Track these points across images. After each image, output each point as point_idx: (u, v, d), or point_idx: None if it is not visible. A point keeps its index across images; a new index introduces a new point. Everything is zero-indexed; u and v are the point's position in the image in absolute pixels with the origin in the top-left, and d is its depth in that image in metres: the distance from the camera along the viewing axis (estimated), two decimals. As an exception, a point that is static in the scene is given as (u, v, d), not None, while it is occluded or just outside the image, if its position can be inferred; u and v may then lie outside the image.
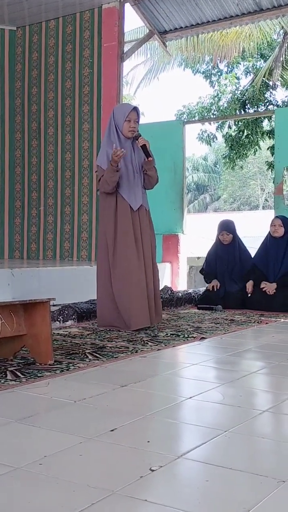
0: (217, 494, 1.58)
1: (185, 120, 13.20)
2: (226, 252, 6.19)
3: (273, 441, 2.07)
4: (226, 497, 1.56)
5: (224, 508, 1.48)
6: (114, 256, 4.41)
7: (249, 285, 5.99)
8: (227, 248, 6.20)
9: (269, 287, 5.80)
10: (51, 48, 8.07)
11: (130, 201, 4.46)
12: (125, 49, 7.65)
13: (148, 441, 1.98)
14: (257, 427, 2.20)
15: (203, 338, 4.12)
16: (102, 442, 1.95)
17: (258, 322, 5.00)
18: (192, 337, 4.13)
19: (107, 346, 3.70)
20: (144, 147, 4.45)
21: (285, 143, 6.60)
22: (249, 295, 5.95)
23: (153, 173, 4.58)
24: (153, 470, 1.70)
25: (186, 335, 4.19)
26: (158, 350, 3.66)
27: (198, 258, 10.70)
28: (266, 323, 5.01)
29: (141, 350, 3.60)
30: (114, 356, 3.40)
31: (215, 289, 6.05)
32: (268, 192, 33.84)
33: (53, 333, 3.75)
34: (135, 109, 4.49)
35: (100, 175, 4.44)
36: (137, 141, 4.49)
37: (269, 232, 6.13)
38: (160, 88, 71.49)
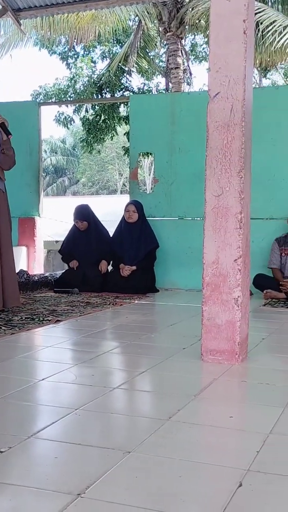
0: (66, 469, 1.64)
1: (41, 101, 13.01)
2: (83, 238, 6.22)
3: (121, 415, 2.17)
4: (74, 471, 1.62)
5: (72, 481, 1.54)
6: None
7: (103, 265, 6.08)
8: (84, 233, 6.24)
9: (127, 269, 5.95)
10: None
11: None
12: (-23, 24, 7.33)
13: (-1, 425, 1.98)
14: (107, 403, 2.29)
15: (58, 321, 4.15)
16: None
17: (113, 304, 5.13)
18: (47, 320, 4.15)
19: None
20: (2, 125, 4.40)
21: (140, 129, 6.77)
22: (103, 272, 6.03)
23: (11, 153, 4.53)
24: (1, 452, 1.71)
25: (41, 319, 4.19)
26: (12, 334, 3.63)
27: (56, 242, 10.66)
28: (121, 304, 5.16)
29: (-5, 335, 3.54)
30: None
31: (75, 268, 6.09)
32: (126, 177, 34.46)
33: None
34: None
35: None
36: None
37: (124, 217, 6.27)
38: (15, 67, 69.34)
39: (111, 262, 6.28)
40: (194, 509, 1.43)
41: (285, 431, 1.96)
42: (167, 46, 13.31)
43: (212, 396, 2.40)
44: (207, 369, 2.84)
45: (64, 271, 6.47)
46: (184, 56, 13.47)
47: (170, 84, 13.26)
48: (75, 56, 15.11)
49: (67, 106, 14.60)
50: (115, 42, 14.78)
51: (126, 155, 15.38)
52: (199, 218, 6.34)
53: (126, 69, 13.91)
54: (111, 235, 6.40)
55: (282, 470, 1.64)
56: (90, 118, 14.29)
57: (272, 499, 1.48)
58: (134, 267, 6.01)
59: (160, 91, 14.94)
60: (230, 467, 1.66)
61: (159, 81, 15.93)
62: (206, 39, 14.74)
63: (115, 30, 13.14)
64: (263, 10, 11.26)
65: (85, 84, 14.41)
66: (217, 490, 1.51)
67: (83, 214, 6.27)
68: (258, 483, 1.55)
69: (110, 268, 6.30)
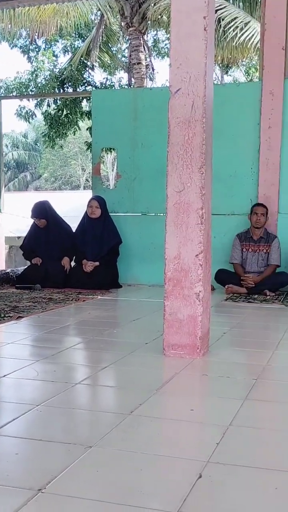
0: (27, 465, 1.63)
1: (2, 95, 12.84)
2: (44, 235, 6.19)
3: (83, 411, 2.18)
4: (35, 467, 1.61)
5: (33, 477, 1.54)
6: None
7: (66, 262, 6.07)
8: (44, 230, 6.20)
9: (90, 265, 5.93)
10: None
11: None
12: None
13: None
14: (69, 399, 2.29)
15: (20, 317, 4.11)
16: None
17: (76, 300, 5.11)
18: (9, 316, 4.11)
19: None
20: None
21: (102, 125, 6.74)
22: (66, 269, 6.02)
23: None
24: None
25: (2, 315, 4.15)
26: (-27, 331, 3.59)
27: (18, 237, 10.54)
28: (84, 300, 5.15)
29: None
30: None
31: (38, 264, 6.05)
32: (89, 172, 34.27)
33: None
34: None
35: None
36: None
37: (86, 213, 6.25)
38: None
39: (74, 258, 6.25)
40: (154, 501, 1.45)
41: (244, 423, 2.00)
42: (129, 41, 13.29)
43: (174, 390, 2.42)
44: (169, 363, 2.86)
45: (26, 267, 6.41)
46: (147, 51, 13.47)
47: (132, 80, 13.25)
48: (37, 49, 14.95)
49: (28, 100, 14.44)
50: (77, 36, 14.67)
51: (89, 150, 15.33)
52: (161, 214, 6.36)
53: (89, 63, 13.83)
54: (73, 231, 6.37)
55: (241, 461, 1.67)
56: (52, 112, 14.15)
57: (231, 489, 1.51)
58: (97, 263, 6.00)
59: (123, 86, 14.92)
60: (190, 459, 1.68)
61: (121, 76, 15.91)
62: (168, 35, 14.77)
63: (77, 24, 13.06)
64: (224, 7, 11.35)
65: (46, 78, 14.26)
66: (177, 482, 1.53)
67: (40, 212, 6.22)
68: (217, 474, 1.58)
69: (72, 263, 6.27)
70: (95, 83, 14.55)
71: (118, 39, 14.52)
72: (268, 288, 5.42)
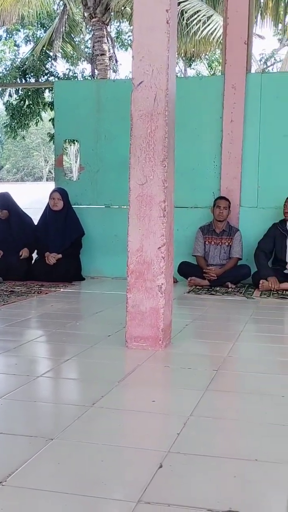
0: (-13, 459, 1.62)
1: None
2: (6, 226, 6.10)
3: (45, 403, 2.18)
4: (-5, 461, 1.61)
5: (-6, 471, 1.53)
6: None
7: (24, 252, 5.96)
8: (6, 222, 6.12)
9: (52, 257, 5.89)
10: None
11: None
12: None
13: None
14: (31, 392, 2.28)
15: (-19, 310, 4.07)
16: None
17: (38, 293, 5.08)
18: None
19: None
20: None
21: (65, 116, 6.68)
22: (21, 257, 5.93)
23: None
24: None
25: None
26: None
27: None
28: (46, 293, 5.11)
29: None
30: None
31: None
32: (52, 164, 33.94)
33: None
34: None
35: None
36: None
37: (48, 205, 6.19)
38: None
39: (36, 250, 6.20)
40: (115, 491, 1.46)
41: (205, 413, 2.03)
42: (92, 32, 13.19)
43: (136, 382, 2.44)
44: (131, 355, 2.88)
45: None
46: (110, 42, 13.40)
47: (96, 71, 13.16)
48: (-2, 38, 14.73)
49: (-11, 89, 14.21)
50: (39, 26, 14.49)
51: (52, 141, 15.18)
52: (125, 206, 6.34)
53: (51, 54, 13.68)
54: (35, 223, 6.31)
55: (201, 450, 1.70)
56: (14, 103, 13.97)
57: (191, 478, 1.53)
58: (59, 255, 5.96)
59: (86, 77, 14.81)
60: (151, 449, 1.70)
61: (84, 67, 15.80)
62: (131, 27, 14.70)
63: (39, 14, 12.89)
64: (187, 0, 11.37)
65: (8, 68, 14.05)
66: (138, 472, 1.55)
67: (3, 203, 6.14)
68: (178, 463, 1.60)
69: (35, 256, 6.21)
70: (58, 73, 14.43)
71: (81, 29, 14.40)
72: (230, 280, 5.49)
